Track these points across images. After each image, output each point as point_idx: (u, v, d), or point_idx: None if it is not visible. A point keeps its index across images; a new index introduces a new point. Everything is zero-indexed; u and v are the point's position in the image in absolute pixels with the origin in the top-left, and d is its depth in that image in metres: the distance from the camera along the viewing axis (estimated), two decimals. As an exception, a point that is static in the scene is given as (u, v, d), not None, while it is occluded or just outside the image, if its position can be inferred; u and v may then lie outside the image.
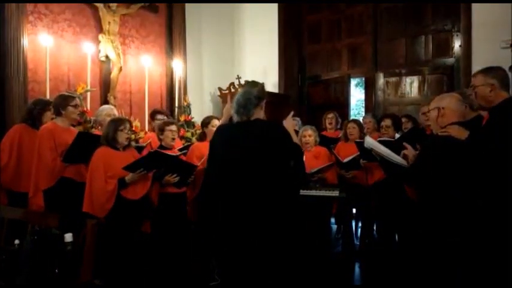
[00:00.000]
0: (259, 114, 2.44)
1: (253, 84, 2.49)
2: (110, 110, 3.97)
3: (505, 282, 2.12)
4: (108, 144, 3.22)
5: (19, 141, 3.40)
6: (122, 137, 3.22)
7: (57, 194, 3.24)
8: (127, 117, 3.68)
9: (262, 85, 2.50)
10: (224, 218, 2.35)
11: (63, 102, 3.38)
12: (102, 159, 3.15)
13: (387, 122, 4.09)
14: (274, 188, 2.31)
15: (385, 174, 3.08)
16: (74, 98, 3.48)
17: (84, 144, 3.29)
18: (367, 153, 3.50)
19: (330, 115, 4.94)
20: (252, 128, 2.39)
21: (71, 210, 3.00)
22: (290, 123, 2.55)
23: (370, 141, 2.74)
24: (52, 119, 3.49)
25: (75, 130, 3.47)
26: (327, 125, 4.93)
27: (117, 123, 3.25)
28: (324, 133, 4.76)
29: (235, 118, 2.43)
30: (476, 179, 2.19)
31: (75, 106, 3.43)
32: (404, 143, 2.61)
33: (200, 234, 4.18)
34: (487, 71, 2.38)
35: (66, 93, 3.58)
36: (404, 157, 2.54)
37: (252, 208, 2.28)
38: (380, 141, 3.13)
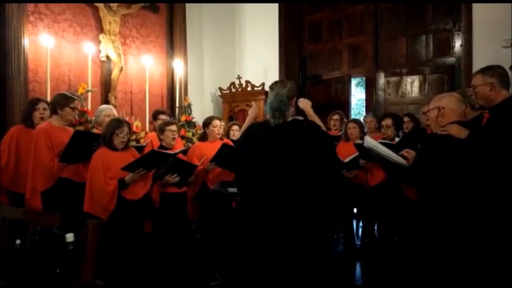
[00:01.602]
0: (291, 110, 2.49)
1: (282, 84, 2.51)
2: (109, 110, 3.96)
3: (506, 281, 2.12)
4: (106, 144, 3.22)
5: (16, 142, 3.39)
6: (118, 141, 3.21)
7: (55, 195, 3.20)
8: (127, 120, 3.65)
9: (291, 84, 2.54)
10: (263, 220, 2.38)
11: (62, 102, 3.34)
12: (101, 161, 3.15)
13: (387, 121, 4.08)
14: (315, 188, 2.35)
15: (385, 173, 3.08)
16: (74, 100, 3.43)
17: (81, 143, 3.25)
18: (366, 153, 3.50)
19: (335, 116, 4.84)
20: (291, 129, 2.43)
21: (70, 211, 2.99)
22: (306, 103, 2.75)
23: (369, 141, 2.74)
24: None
25: (71, 130, 3.43)
26: (331, 126, 4.90)
27: (115, 125, 3.22)
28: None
29: (272, 122, 2.45)
30: (476, 178, 2.19)
31: (73, 108, 3.39)
32: (403, 151, 2.60)
33: (201, 233, 4.20)
34: (486, 70, 2.37)
35: (68, 94, 3.54)
36: (404, 157, 2.55)
37: (294, 211, 2.32)
38: (380, 143, 3.15)
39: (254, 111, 2.99)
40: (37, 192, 3.19)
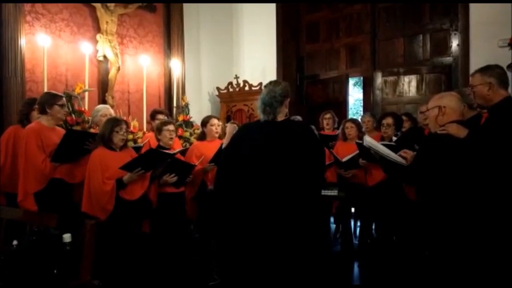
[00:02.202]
0: (284, 111, 2.49)
1: (276, 83, 2.54)
2: (105, 110, 3.94)
3: (506, 280, 2.12)
4: (104, 144, 3.21)
5: (13, 143, 3.36)
6: (117, 138, 3.21)
7: (48, 196, 3.15)
8: (124, 118, 3.66)
9: (286, 84, 2.56)
10: (249, 217, 2.37)
11: (50, 100, 3.27)
12: (99, 161, 3.14)
13: (389, 120, 4.08)
14: (303, 189, 2.35)
15: (384, 173, 3.09)
16: (61, 97, 3.38)
17: (74, 142, 3.22)
18: (366, 153, 3.50)
19: (327, 115, 4.94)
20: (286, 128, 2.43)
21: (63, 211, 2.96)
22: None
23: (369, 140, 2.75)
24: (38, 118, 3.38)
25: (62, 130, 3.41)
26: (325, 125, 4.94)
27: (113, 124, 3.23)
28: (321, 133, 4.77)
29: (262, 117, 2.47)
30: (476, 178, 2.19)
31: (62, 106, 3.32)
32: (401, 151, 2.60)
33: (199, 233, 4.19)
34: (484, 70, 2.38)
35: (53, 92, 3.49)
36: (402, 157, 2.55)
37: (281, 210, 2.31)
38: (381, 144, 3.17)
39: (232, 127, 2.97)
40: (29, 194, 3.13)
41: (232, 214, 2.48)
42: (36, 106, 3.37)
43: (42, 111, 3.29)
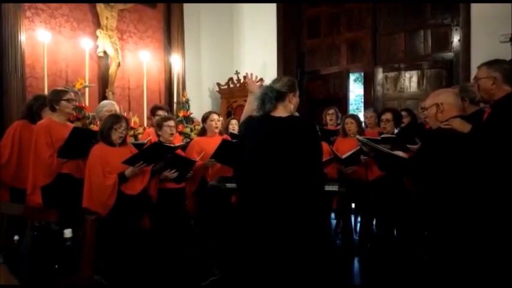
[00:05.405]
0: (287, 106, 2.42)
1: (275, 80, 2.49)
2: (111, 106, 3.94)
3: (505, 275, 2.12)
4: (103, 140, 3.22)
5: (19, 138, 3.38)
6: (115, 136, 3.22)
7: (55, 190, 3.22)
8: (124, 115, 3.66)
9: (286, 79, 2.48)
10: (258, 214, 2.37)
11: (56, 97, 3.34)
12: (99, 156, 3.16)
13: (388, 115, 4.08)
14: (307, 184, 2.34)
15: (379, 169, 3.08)
16: (67, 92, 3.43)
17: (80, 140, 3.26)
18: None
19: (331, 111, 4.92)
20: (289, 125, 2.40)
21: (70, 206, 3.00)
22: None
23: (361, 139, 2.79)
24: (50, 114, 3.44)
25: (72, 125, 3.45)
26: (328, 121, 4.93)
27: (113, 120, 3.24)
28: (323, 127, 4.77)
29: (254, 113, 2.43)
30: (478, 173, 2.18)
31: (69, 100, 3.37)
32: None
33: (199, 228, 4.20)
34: (492, 63, 2.36)
35: (59, 88, 3.54)
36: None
37: (286, 204, 2.30)
38: (382, 138, 3.21)
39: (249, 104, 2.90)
40: (37, 188, 3.20)
41: (251, 210, 2.47)
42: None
43: (52, 109, 3.37)
